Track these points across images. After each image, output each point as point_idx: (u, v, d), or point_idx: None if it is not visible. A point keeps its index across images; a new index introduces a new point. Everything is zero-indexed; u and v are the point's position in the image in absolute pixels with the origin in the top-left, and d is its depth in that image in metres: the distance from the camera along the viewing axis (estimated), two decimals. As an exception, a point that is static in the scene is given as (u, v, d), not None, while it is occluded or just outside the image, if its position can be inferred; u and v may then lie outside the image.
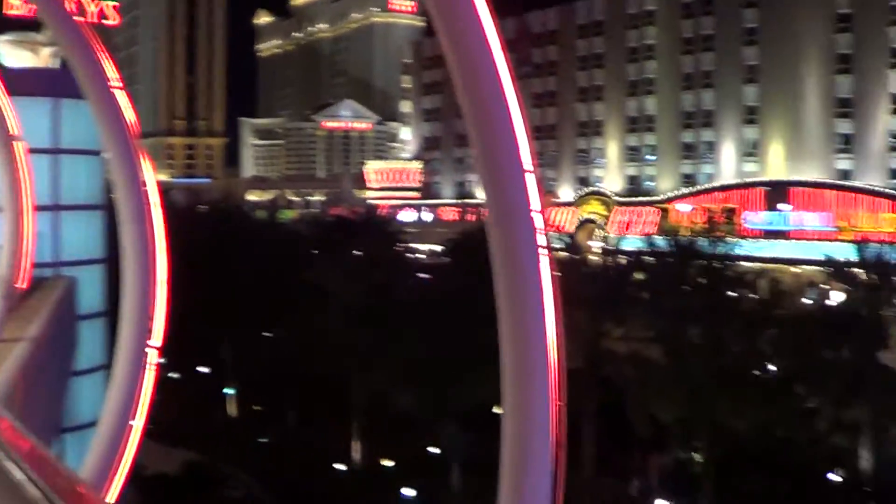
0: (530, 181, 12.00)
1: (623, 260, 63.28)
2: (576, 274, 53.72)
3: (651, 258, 62.67)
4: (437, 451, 60.80)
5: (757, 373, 50.35)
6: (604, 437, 52.53)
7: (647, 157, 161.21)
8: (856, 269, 61.48)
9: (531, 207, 11.47)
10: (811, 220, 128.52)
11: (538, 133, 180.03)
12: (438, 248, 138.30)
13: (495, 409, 61.41)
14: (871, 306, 59.01)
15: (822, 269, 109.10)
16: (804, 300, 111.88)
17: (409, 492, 55.46)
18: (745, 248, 60.60)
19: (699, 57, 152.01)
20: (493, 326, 43.58)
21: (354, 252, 77.05)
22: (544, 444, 10.54)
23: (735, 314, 52.24)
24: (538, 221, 11.56)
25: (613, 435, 53.84)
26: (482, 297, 54.10)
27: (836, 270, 63.23)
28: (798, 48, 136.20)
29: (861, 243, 64.63)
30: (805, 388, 53.60)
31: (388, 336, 56.44)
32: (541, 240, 11.57)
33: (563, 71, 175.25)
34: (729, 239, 60.55)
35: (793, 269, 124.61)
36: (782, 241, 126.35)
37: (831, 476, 56.08)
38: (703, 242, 60.00)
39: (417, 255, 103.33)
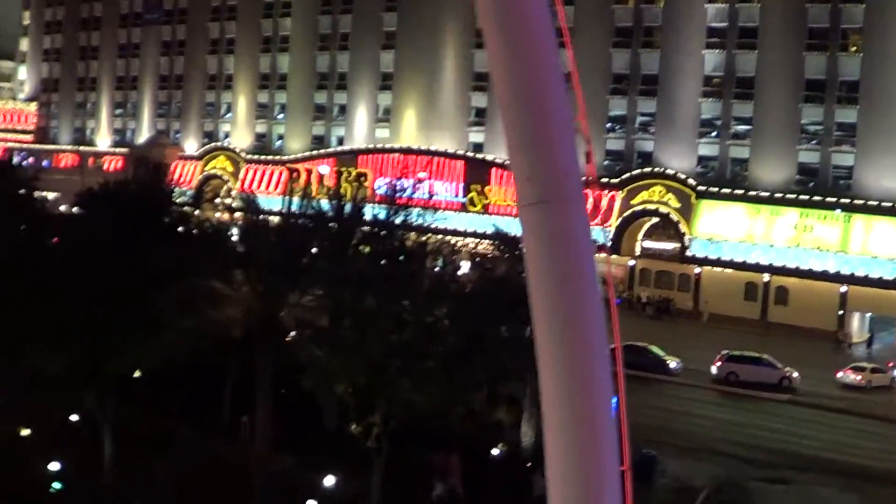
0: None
1: (273, 219, 59.65)
2: (255, 234, 50.76)
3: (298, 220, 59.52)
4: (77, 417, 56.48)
5: (437, 347, 49.27)
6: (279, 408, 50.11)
7: (278, 115, 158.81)
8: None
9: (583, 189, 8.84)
10: (441, 190, 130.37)
11: (164, 83, 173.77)
12: (53, 195, 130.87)
13: (136, 374, 57.02)
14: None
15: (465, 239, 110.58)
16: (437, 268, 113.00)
17: (53, 465, 50.91)
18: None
19: (338, 18, 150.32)
20: (145, 287, 39.30)
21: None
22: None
23: (415, 286, 51.11)
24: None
25: (288, 406, 51.50)
26: (132, 254, 49.31)
27: (503, 242, 63.39)
28: (437, 18, 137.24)
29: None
30: (474, 363, 53.13)
31: (25, 293, 51.26)
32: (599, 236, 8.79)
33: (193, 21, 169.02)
34: (417, 210, 58.71)
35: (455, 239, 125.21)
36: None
37: (494, 451, 56.18)
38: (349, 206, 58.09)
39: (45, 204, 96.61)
